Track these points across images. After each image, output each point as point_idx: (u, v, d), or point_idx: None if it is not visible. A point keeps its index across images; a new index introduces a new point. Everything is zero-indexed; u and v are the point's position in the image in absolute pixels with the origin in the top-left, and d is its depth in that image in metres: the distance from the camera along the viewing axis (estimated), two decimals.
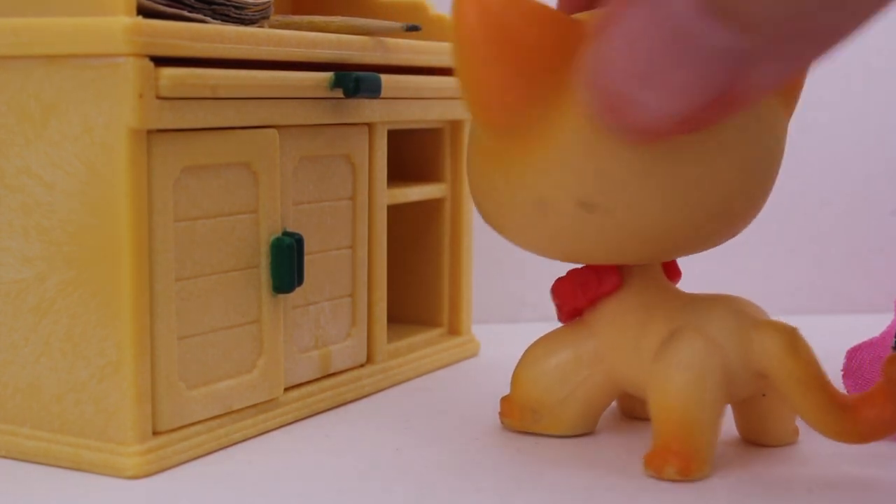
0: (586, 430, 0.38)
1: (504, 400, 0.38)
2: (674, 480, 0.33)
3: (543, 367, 0.37)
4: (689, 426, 0.33)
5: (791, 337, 0.33)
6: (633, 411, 0.40)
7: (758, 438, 0.37)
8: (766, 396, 0.36)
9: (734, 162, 0.33)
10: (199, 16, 0.36)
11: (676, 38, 0.27)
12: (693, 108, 0.28)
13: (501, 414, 0.38)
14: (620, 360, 0.36)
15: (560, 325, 0.38)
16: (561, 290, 0.37)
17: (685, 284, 0.38)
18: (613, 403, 0.40)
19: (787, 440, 0.37)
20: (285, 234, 0.38)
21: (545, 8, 0.32)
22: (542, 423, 0.37)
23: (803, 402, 0.33)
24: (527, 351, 0.38)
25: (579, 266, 0.37)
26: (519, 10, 0.31)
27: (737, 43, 0.27)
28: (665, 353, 0.34)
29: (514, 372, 0.38)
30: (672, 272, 0.38)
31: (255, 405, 0.38)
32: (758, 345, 0.34)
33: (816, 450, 0.37)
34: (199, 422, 0.36)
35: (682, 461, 0.33)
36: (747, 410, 0.37)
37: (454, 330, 0.50)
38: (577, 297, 0.37)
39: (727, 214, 0.34)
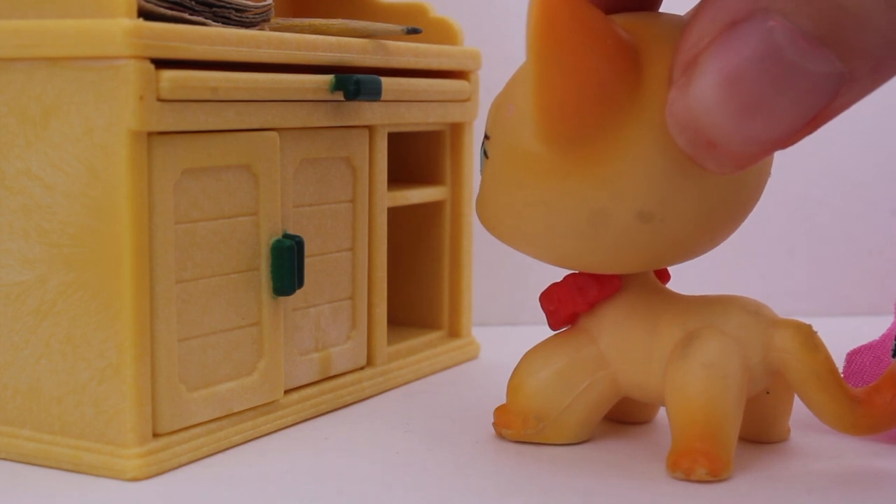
0: (586, 438, 0.37)
1: (500, 410, 0.38)
2: (703, 481, 0.33)
3: (544, 376, 0.36)
4: (715, 425, 0.33)
5: (809, 334, 0.34)
6: (625, 416, 0.39)
7: (754, 436, 0.37)
8: (770, 394, 0.36)
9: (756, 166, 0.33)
10: (200, 18, 0.36)
11: (781, 69, 0.28)
12: (791, 133, 0.29)
13: (498, 425, 0.38)
14: (629, 364, 0.36)
15: (552, 333, 0.38)
16: (557, 294, 0.37)
17: (684, 286, 0.38)
18: None
19: (782, 438, 0.38)
20: (286, 236, 0.38)
21: (607, 25, 0.31)
22: (545, 432, 0.37)
23: (821, 398, 0.34)
24: (523, 360, 0.37)
25: (575, 271, 0.37)
26: (584, 28, 0.30)
27: (841, 67, 0.27)
28: (687, 353, 0.34)
29: (512, 381, 0.37)
30: (662, 274, 0.38)
31: (255, 407, 0.38)
32: (778, 342, 0.34)
33: (812, 447, 0.37)
34: (200, 424, 0.36)
35: (711, 461, 0.33)
36: (748, 408, 0.37)
37: (454, 332, 0.50)
38: (577, 301, 0.36)
39: (743, 216, 0.35)
